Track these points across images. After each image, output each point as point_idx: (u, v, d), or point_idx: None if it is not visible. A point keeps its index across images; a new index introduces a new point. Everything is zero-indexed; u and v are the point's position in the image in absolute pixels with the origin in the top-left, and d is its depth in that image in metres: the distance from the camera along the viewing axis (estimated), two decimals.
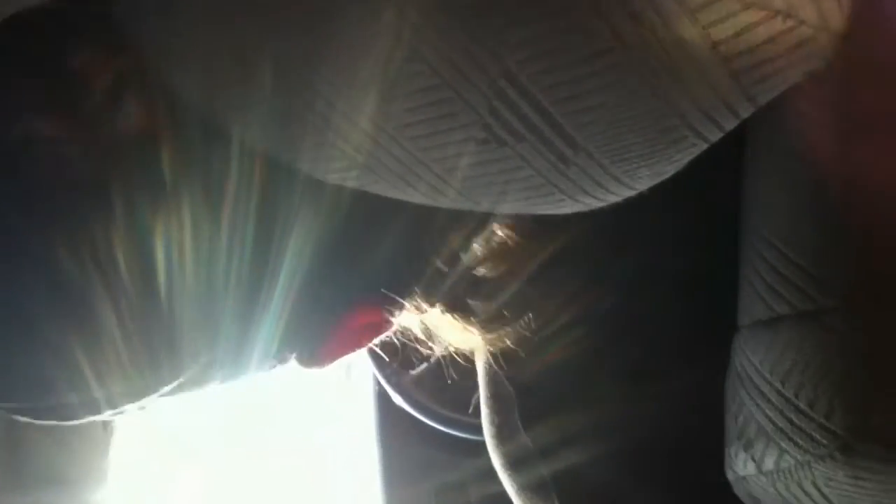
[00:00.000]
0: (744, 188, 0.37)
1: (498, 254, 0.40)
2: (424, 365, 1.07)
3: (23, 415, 0.37)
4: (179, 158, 0.32)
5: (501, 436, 0.47)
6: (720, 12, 0.25)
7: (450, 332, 0.44)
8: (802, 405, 0.32)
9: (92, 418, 0.37)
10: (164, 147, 0.32)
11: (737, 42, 0.26)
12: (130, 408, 0.37)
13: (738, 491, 0.38)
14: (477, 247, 0.39)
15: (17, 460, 0.65)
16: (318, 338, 0.39)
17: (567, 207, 0.32)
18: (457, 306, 0.43)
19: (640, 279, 0.41)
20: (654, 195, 0.32)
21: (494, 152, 0.29)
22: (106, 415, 0.37)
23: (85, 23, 0.33)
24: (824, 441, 0.31)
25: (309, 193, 0.33)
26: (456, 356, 0.48)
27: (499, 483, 0.49)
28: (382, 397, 1.15)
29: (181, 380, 0.37)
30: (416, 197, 0.31)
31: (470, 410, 1.09)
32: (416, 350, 0.45)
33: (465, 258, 0.39)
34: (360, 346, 0.41)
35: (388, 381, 1.10)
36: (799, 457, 0.33)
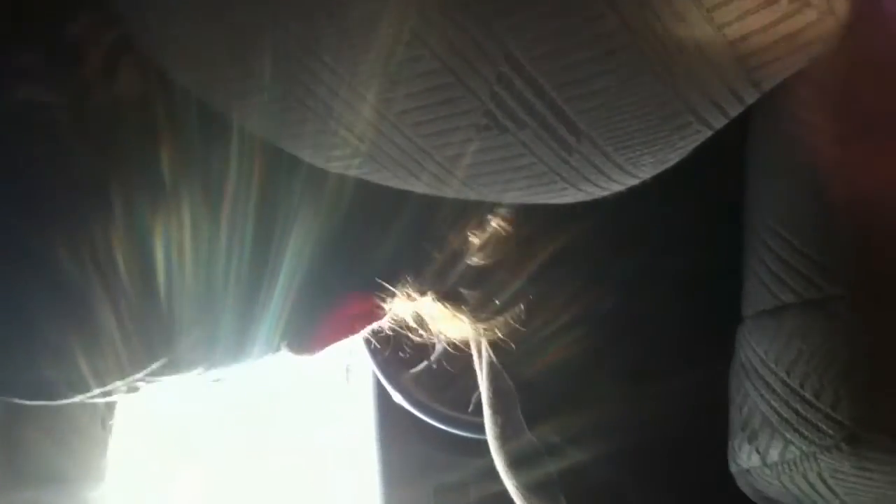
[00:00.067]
0: (747, 178, 0.37)
1: (492, 243, 0.40)
2: (424, 363, 1.07)
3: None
4: (177, 143, 0.32)
5: (505, 435, 0.47)
6: None
7: (441, 321, 0.44)
8: (808, 395, 0.32)
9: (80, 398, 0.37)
10: (162, 131, 0.32)
11: (742, 25, 0.25)
12: (120, 385, 0.37)
13: (742, 484, 0.37)
14: (472, 237, 0.39)
15: (15, 459, 0.65)
16: (309, 325, 0.39)
17: (570, 196, 0.32)
18: (448, 295, 0.42)
19: (640, 279, 0.41)
20: (654, 195, 0.32)
21: (496, 139, 0.28)
22: (99, 401, 0.37)
23: None
24: (830, 431, 0.31)
25: (308, 185, 0.33)
26: (454, 351, 0.48)
27: (499, 482, 0.49)
28: (382, 397, 1.15)
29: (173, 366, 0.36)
30: (419, 187, 0.31)
31: (470, 409, 1.09)
32: (409, 339, 0.45)
33: (460, 248, 0.39)
34: (351, 333, 0.40)
35: (388, 380, 1.10)
36: (804, 448, 0.32)
